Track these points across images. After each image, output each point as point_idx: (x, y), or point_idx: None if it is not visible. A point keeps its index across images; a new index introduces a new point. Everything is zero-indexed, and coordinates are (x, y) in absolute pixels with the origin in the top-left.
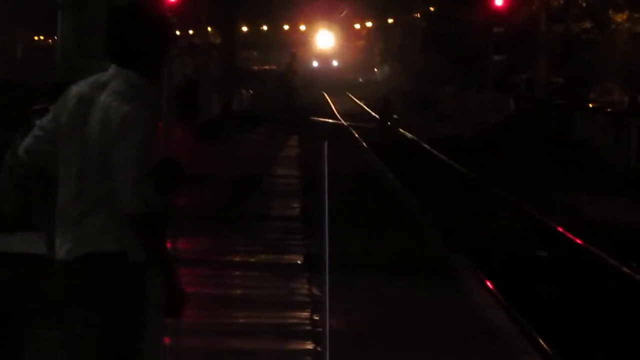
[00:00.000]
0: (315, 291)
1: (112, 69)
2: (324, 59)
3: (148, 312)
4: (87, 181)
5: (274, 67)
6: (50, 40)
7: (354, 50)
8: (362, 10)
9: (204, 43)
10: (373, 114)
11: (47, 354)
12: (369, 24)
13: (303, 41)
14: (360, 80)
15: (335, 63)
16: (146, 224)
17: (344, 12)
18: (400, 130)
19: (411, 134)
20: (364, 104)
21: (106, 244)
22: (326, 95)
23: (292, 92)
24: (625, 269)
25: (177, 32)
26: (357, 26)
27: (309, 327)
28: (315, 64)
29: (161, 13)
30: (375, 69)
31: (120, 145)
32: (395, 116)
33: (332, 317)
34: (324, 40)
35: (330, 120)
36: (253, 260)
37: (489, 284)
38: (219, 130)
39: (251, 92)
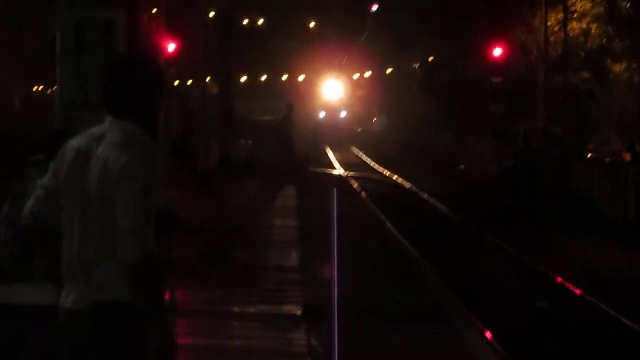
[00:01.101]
0: (314, 342)
1: (107, 121)
2: (331, 110)
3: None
4: (91, 232)
5: (273, 117)
6: (48, 91)
7: (354, 100)
8: (360, 60)
9: (202, 93)
10: (371, 164)
11: None
12: (367, 74)
13: (307, 91)
14: (359, 130)
15: (343, 114)
16: (142, 273)
17: (344, 60)
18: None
19: (410, 183)
20: (363, 154)
21: (114, 294)
22: (326, 146)
23: (289, 143)
24: (624, 320)
25: (175, 83)
26: (356, 76)
27: None
28: (322, 114)
29: (155, 66)
30: (374, 119)
31: (120, 195)
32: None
33: None
34: (330, 90)
35: (330, 171)
36: (251, 311)
37: (487, 334)
38: (217, 180)
39: (249, 142)
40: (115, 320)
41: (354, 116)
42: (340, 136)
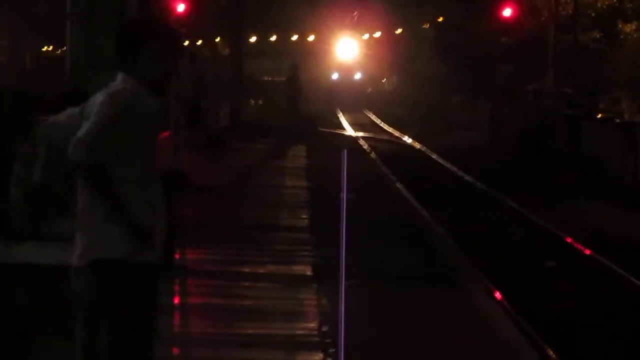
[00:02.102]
0: (324, 302)
1: (119, 77)
2: (345, 70)
3: (157, 318)
4: None
5: (284, 78)
6: (59, 51)
7: (366, 60)
8: (370, 21)
9: (212, 53)
10: (381, 124)
11: None
12: (377, 35)
13: (320, 50)
14: (369, 90)
15: (358, 75)
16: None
17: (355, 16)
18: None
19: (420, 143)
20: (372, 115)
21: (113, 251)
22: (337, 108)
23: (296, 103)
24: (633, 279)
25: (186, 43)
26: (366, 36)
27: (317, 338)
28: (335, 76)
29: (168, 29)
30: (384, 79)
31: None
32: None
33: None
34: (343, 50)
35: (339, 131)
36: (262, 271)
37: (497, 294)
38: (227, 140)
39: (260, 102)
40: (114, 278)
41: (366, 76)
42: (354, 98)
